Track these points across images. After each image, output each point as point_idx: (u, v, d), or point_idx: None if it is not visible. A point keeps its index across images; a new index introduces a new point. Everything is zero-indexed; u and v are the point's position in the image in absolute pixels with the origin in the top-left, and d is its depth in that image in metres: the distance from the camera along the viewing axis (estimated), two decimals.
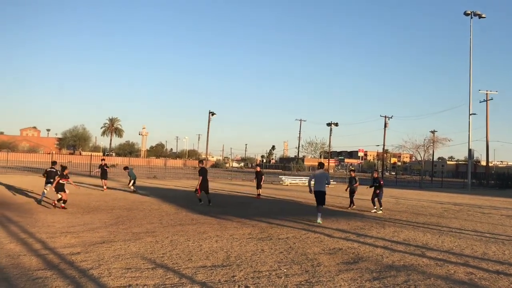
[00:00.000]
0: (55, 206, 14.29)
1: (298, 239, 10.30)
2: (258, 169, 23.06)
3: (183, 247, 8.75)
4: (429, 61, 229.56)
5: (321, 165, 14.17)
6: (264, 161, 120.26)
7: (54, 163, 16.06)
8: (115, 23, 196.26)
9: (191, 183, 32.39)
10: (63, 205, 14.24)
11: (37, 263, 7.00)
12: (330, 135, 73.05)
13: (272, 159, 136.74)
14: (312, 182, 13.52)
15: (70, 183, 14.27)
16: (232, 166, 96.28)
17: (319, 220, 13.19)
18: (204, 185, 16.81)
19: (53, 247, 8.25)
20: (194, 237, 9.92)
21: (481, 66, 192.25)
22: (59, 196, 14.28)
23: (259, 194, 22.03)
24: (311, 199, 21.63)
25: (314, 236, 10.83)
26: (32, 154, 69.03)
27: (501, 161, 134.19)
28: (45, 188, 15.42)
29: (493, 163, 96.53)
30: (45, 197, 15.55)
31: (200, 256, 8.02)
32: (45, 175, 15.48)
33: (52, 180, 15.01)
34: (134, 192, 21.44)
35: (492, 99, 55.06)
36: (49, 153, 58.18)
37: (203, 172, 16.84)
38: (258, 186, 22.08)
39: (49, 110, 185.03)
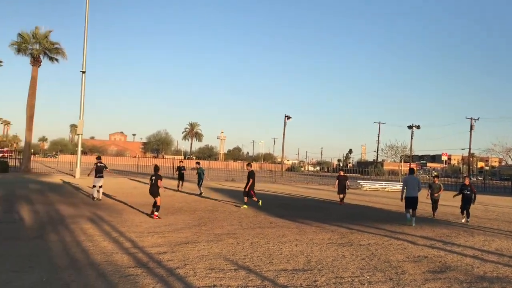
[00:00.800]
0: (152, 214, 13.10)
1: (380, 245, 10.02)
2: (342, 173, 21.72)
3: (263, 250, 8.85)
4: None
5: (411, 170, 14.90)
6: (341, 165, 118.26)
7: (99, 158, 18.37)
8: (188, 24, 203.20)
9: (268, 187, 32.69)
10: (156, 214, 12.96)
11: (128, 261, 7.42)
12: (412, 138, 70.15)
13: (349, 163, 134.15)
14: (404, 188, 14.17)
15: (160, 186, 13.60)
16: (308, 170, 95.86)
17: (413, 223, 13.75)
18: (251, 188, 16.96)
19: (142, 246, 8.70)
20: (274, 240, 10.00)
21: None
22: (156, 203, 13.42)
23: (341, 200, 20.83)
24: (392, 204, 21.01)
25: (397, 243, 10.48)
26: (120, 158, 73.26)
27: None
28: (95, 185, 17.25)
29: None
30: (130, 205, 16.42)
31: (281, 259, 8.07)
32: (95, 170, 17.32)
33: (102, 175, 17.35)
34: (200, 195, 21.46)
35: None
36: (134, 157, 61.50)
37: (252, 175, 16.94)
38: (341, 192, 20.80)
39: (135, 116, 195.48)
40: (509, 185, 52.53)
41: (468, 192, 15.38)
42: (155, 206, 13.04)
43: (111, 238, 9.40)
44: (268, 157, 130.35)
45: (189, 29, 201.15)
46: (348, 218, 15.10)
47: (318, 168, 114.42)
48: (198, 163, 23.32)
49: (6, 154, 54.11)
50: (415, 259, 8.71)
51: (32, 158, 40.27)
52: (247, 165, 17.98)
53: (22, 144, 79.85)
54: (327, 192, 30.20)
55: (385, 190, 36.26)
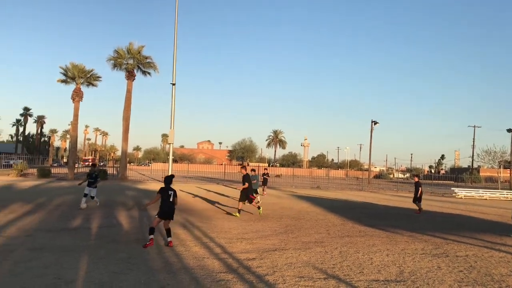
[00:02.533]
0: (167, 243, 9.41)
1: (480, 257, 9.36)
2: (416, 179, 20.77)
3: (353, 259, 8.64)
4: None
5: None
6: (433, 171, 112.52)
7: (93, 165, 17.83)
8: (269, 30, 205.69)
9: (355, 195, 31.97)
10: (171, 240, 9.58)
11: (219, 266, 7.61)
12: None
13: (442, 169, 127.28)
14: None
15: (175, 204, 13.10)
16: (397, 177, 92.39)
17: None
18: (248, 192, 15.30)
19: (231, 252, 8.88)
20: (363, 250, 9.73)
21: None
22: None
23: (419, 209, 19.76)
24: (491, 213, 19.58)
25: (498, 255, 9.72)
26: (207, 165, 75.87)
27: None
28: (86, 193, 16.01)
29: None
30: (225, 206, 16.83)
31: (372, 269, 7.82)
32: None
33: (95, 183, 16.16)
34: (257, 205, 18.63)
35: None
36: (221, 164, 63.25)
37: (248, 179, 15.29)
38: (416, 200, 19.87)
39: (221, 124, 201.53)
40: None
41: None
42: (169, 231, 9.48)
43: (202, 243, 9.71)
44: (354, 164, 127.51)
45: (270, 36, 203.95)
46: (442, 227, 14.30)
47: (407, 175, 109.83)
48: (253, 170, 22.32)
49: (91, 163, 58.00)
50: None
51: (127, 167, 42.98)
52: (242, 167, 16.00)
53: (118, 153, 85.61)
54: None
55: (483, 198, 33.87)
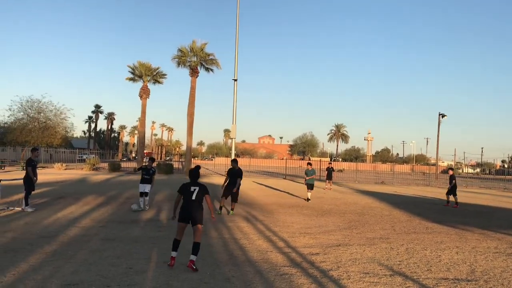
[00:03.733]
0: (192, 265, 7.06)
1: None
2: (451, 172, 19.92)
3: (420, 256, 8.38)
4: None
5: None
6: (506, 166, 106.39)
7: (152, 159, 14.58)
8: (330, 24, 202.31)
9: (422, 190, 30.92)
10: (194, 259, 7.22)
11: (282, 260, 7.67)
12: None
13: None
14: None
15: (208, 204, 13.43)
16: (467, 172, 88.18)
17: None
18: (228, 188, 13.86)
19: (294, 246, 8.90)
20: (431, 247, 9.41)
21: None
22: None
23: (448, 202, 19.20)
24: None
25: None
26: (268, 160, 76.31)
27: None
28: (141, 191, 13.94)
29: None
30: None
31: (440, 267, 7.56)
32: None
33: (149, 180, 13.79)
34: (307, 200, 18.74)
35: None
36: (282, 159, 63.34)
37: (241, 173, 13.96)
38: (451, 192, 19.09)
39: (282, 119, 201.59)
40: None
41: None
42: (196, 247, 6.89)
43: (265, 237, 9.81)
44: (420, 159, 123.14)
45: (329, 30, 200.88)
46: None
47: (478, 170, 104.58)
48: (309, 163, 21.41)
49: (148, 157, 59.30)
50: None
51: (192, 161, 44.18)
52: (232, 161, 14.52)
53: (183, 148, 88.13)
54: (489, 196, 27.43)
55: None
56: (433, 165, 68.64)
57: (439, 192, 27.80)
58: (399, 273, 6.98)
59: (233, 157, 35.80)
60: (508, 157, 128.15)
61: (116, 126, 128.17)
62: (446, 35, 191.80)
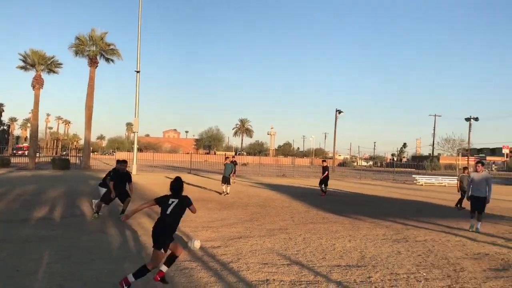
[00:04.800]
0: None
1: (437, 242, 9.71)
2: (325, 163, 21.18)
3: (316, 245, 8.80)
4: None
5: (478, 164, 12.14)
6: (395, 159, 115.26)
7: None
8: (235, 22, 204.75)
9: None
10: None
11: (183, 255, 7.57)
12: (470, 131, 67.42)
13: (404, 157, 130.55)
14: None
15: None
16: (360, 165, 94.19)
17: (474, 228, 11.36)
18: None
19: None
20: (326, 236, 9.92)
21: None
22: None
23: (323, 191, 20.61)
24: (449, 200, 20.26)
25: (455, 239, 10.11)
26: (173, 154, 75.23)
27: None
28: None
29: None
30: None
31: (334, 255, 8.00)
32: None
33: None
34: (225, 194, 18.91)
35: None
36: (187, 153, 62.82)
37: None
38: (322, 182, 20.62)
39: (188, 113, 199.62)
40: None
41: None
42: (171, 259, 5.93)
43: None
44: (319, 152, 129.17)
45: (237, 27, 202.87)
46: (403, 213, 14.71)
47: (371, 163, 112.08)
48: (227, 157, 22.04)
49: (25, 151, 55.51)
50: (475, 256, 8.37)
51: (91, 156, 42.12)
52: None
53: (81, 142, 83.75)
54: (381, 187, 29.60)
55: (442, 185, 35.03)
56: (330, 158, 72.28)
57: (335, 184, 29.38)
58: (296, 262, 7.27)
59: (135, 151, 34.90)
60: (397, 151, 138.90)
61: (5, 118, 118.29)
62: (342, 35, 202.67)
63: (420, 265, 7.46)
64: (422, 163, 65.24)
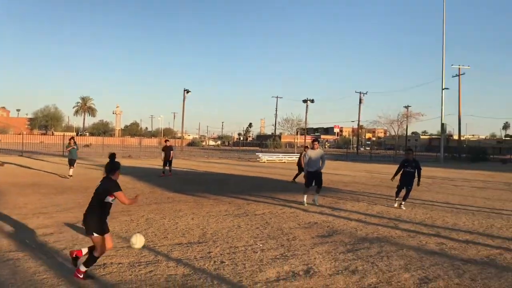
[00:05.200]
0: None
1: (274, 214, 10.38)
2: (168, 143, 20.78)
3: (158, 225, 8.70)
4: (404, 37, 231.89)
5: (315, 142, 12.73)
6: (241, 138, 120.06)
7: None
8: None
9: None
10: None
11: (8, 245, 6.86)
12: (306, 112, 73.18)
13: (249, 136, 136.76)
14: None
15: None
16: (208, 145, 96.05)
17: (311, 200, 12.20)
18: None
19: (26, 229, 8.09)
20: (170, 215, 9.88)
21: (454, 41, 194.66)
22: None
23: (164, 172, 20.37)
24: (288, 175, 21.82)
25: (290, 211, 10.93)
26: (1, 135, 67.25)
27: (473, 135, 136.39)
28: None
29: (465, 137, 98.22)
30: None
31: (176, 233, 8.00)
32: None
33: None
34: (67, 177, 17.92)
35: (464, 73, 55.93)
36: (19, 134, 56.80)
37: None
38: (167, 163, 20.23)
39: (20, 89, 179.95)
40: (392, 153, 57.31)
41: (412, 170, 11.91)
42: (93, 254, 5.42)
43: None
44: (168, 132, 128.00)
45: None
46: (245, 190, 15.40)
47: (219, 142, 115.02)
48: (167, 140, 20.94)
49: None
50: (306, 225, 9.16)
51: None
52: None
53: None
54: (227, 165, 30.55)
55: (282, 161, 37.59)
56: (179, 138, 72.23)
57: (183, 164, 29.48)
58: None
59: None
60: (243, 130, 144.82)
61: None
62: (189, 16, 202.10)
63: (257, 237, 7.88)
64: (265, 141, 69.14)
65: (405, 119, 68.80)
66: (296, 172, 18.81)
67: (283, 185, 17.66)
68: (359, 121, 74.27)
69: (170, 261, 6.18)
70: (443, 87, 48.64)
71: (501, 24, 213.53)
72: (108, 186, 5.45)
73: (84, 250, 5.59)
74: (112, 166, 5.63)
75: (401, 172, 12.22)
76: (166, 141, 21.86)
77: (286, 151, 64.64)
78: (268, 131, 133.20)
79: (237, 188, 15.84)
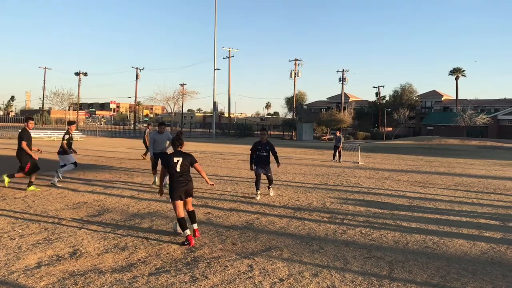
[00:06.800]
0: None
1: (38, 196, 9.54)
2: None
3: None
4: (183, 19, 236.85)
5: (161, 124, 11.52)
6: (2, 113, 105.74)
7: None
8: None
9: None
10: None
11: None
12: (79, 86, 68.71)
13: (12, 111, 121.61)
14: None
15: None
16: None
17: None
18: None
19: None
20: None
21: (226, 25, 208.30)
22: None
23: None
24: (53, 152, 20.18)
25: (57, 192, 10.20)
26: None
27: (241, 113, 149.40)
28: None
29: (234, 114, 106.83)
30: None
31: None
32: None
33: None
34: None
35: (233, 56, 60.50)
36: None
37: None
38: None
39: None
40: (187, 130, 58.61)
41: (265, 153, 10.26)
42: (194, 215, 6.67)
43: None
44: None
45: None
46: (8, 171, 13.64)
47: None
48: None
49: None
50: (74, 206, 8.69)
51: None
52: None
53: None
54: None
55: (51, 139, 34.60)
56: None
57: None
58: None
59: None
60: (3, 104, 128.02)
61: None
62: None
63: (16, 222, 7.12)
64: (31, 116, 62.62)
65: (181, 96, 71.01)
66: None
67: (49, 165, 16.26)
68: (136, 97, 73.54)
69: None
70: (215, 68, 51.82)
71: (265, 12, 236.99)
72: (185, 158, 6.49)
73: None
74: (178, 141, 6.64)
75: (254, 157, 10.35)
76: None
77: (57, 127, 59.89)
78: (35, 105, 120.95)
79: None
